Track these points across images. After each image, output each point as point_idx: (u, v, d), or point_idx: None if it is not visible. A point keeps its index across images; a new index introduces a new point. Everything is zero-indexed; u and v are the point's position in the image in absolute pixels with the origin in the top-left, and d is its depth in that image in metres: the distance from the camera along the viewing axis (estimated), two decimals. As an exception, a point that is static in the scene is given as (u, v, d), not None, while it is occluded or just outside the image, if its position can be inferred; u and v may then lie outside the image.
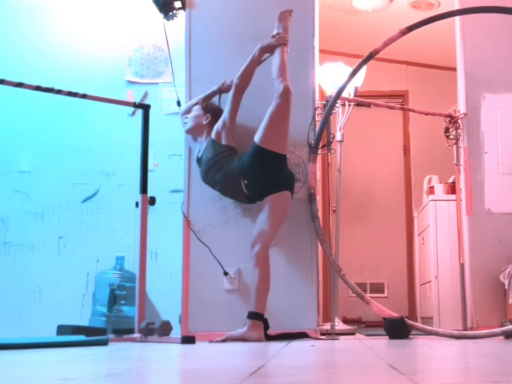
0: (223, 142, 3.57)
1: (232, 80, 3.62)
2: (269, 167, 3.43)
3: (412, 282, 5.97)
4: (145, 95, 4.89)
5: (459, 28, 4.03)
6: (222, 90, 3.75)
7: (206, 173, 3.58)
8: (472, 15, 3.93)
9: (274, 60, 3.54)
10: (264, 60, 3.62)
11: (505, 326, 3.43)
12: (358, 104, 4.52)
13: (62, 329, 3.40)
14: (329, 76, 4.55)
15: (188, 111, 3.77)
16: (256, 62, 3.59)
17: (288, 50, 3.59)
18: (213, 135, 3.59)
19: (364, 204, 6.15)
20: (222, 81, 3.74)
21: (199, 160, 3.66)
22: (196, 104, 3.74)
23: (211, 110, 3.69)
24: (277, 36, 3.58)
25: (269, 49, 3.59)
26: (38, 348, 2.85)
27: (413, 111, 4.84)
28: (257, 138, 3.41)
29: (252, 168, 3.43)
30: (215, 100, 3.78)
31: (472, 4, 3.78)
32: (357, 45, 5.58)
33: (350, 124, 4.53)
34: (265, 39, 3.59)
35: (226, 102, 3.63)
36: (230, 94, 3.60)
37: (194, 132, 3.72)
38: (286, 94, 3.40)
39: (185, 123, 3.74)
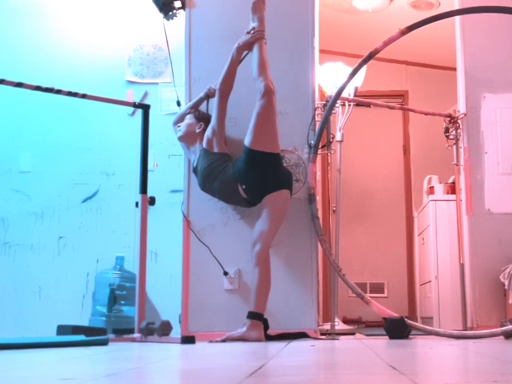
0: (215, 150, 3.53)
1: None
2: (264, 168, 3.41)
3: (412, 282, 5.98)
4: (145, 95, 4.89)
5: (459, 28, 4.04)
6: (208, 95, 3.71)
7: (203, 183, 3.57)
8: (472, 15, 3.93)
9: (253, 57, 3.47)
10: (243, 58, 3.56)
11: (505, 326, 3.43)
12: (358, 104, 4.52)
13: (62, 329, 3.40)
14: (329, 76, 4.55)
15: (179, 120, 3.75)
16: (236, 62, 3.52)
17: (266, 42, 3.49)
18: (204, 144, 3.56)
19: (363, 204, 6.16)
20: (207, 86, 3.71)
21: (194, 170, 3.64)
22: (188, 113, 3.72)
23: (204, 119, 3.66)
24: (252, 31, 3.50)
25: (246, 47, 3.51)
26: (38, 348, 2.84)
27: (413, 111, 4.84)
28: (247, 141, 3.39)
29: (248, 172, 3.41)
30: (203, 106, 3.75)
31: (472, 4, 3.78)
32: (357, 45, 5.58)
33: (350, 123, 4.53)
34: (241, 37, 3.51)
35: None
36: (215, 99, 3.54)
37: (186, 139, 3.69)
38: (268, 94, 3.35)
39: (179, 130, 3.71)
